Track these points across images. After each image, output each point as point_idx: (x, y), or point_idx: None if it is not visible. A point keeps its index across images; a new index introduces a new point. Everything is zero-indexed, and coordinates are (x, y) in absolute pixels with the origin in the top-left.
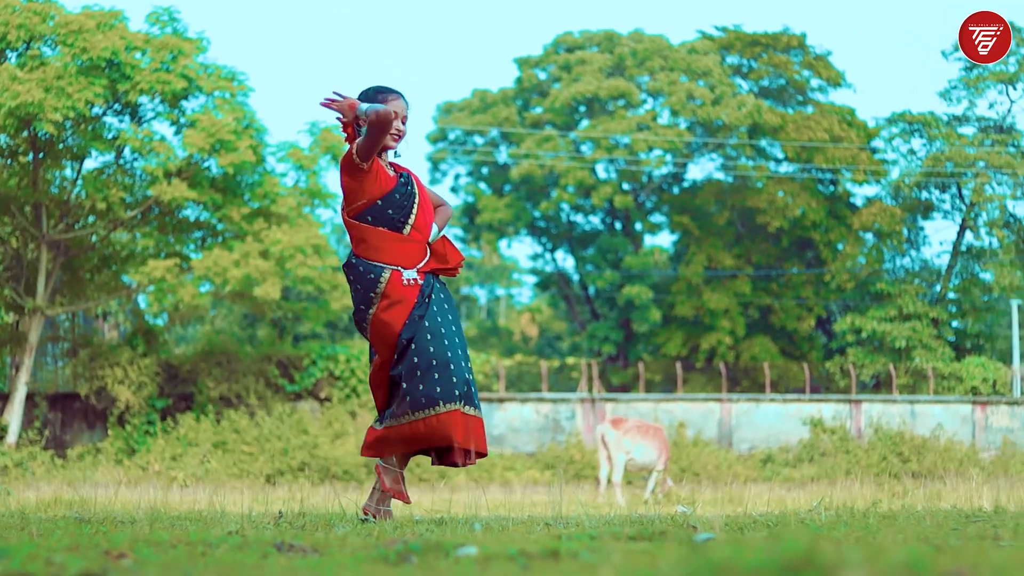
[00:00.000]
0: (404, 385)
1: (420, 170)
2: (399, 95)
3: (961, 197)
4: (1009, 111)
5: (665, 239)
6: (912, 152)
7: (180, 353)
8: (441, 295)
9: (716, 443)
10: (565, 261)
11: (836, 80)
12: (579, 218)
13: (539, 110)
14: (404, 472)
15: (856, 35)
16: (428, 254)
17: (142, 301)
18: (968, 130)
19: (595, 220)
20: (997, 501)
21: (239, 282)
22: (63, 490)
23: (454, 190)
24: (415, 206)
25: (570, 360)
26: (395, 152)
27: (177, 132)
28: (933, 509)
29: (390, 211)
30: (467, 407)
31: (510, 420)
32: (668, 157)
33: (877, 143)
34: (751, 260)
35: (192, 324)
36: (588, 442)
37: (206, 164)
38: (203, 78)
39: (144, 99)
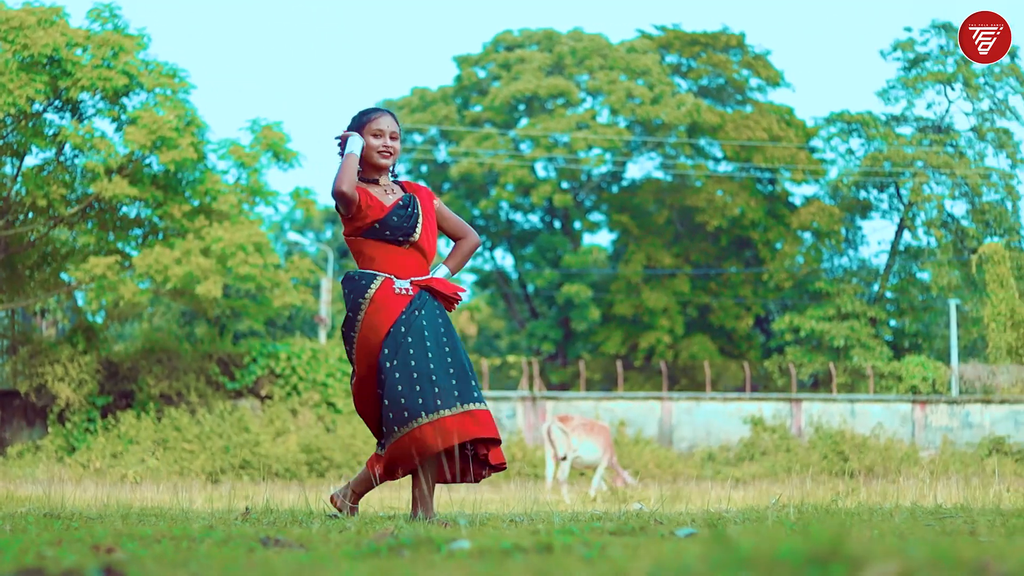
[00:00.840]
0: (385, 402)
1: None
2: (386, 112)
3: (899, 197)
4: (947, 111)
5: (604, 238)
6: (850, 152)
7: (120, 351)
8: (436, 311)
9: (657, 441)
10: (504, 259)
11: (775, 80)
12: (518, 216)
13: (479, 108)
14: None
15: (795, 35)
16: (429, 273)
17: (80, 298)
18: (906, 130)
19: (534, 218)
20: (951, 499)
21: (180, 280)
22: (4, 487)
23: None
24: (417, 226)
25: (511, 359)
26: (391, 172)
27: (118, 129)
28: (896, 506)
29: (387, 232)
30: (457, 407)
31: None
32: (607, 156)
33: (816, 143)
34: (690, 259)
35: (130, 322)
36: (530, 440)
37: (147, 161)
38: (144, 75)
39: (85, 96)
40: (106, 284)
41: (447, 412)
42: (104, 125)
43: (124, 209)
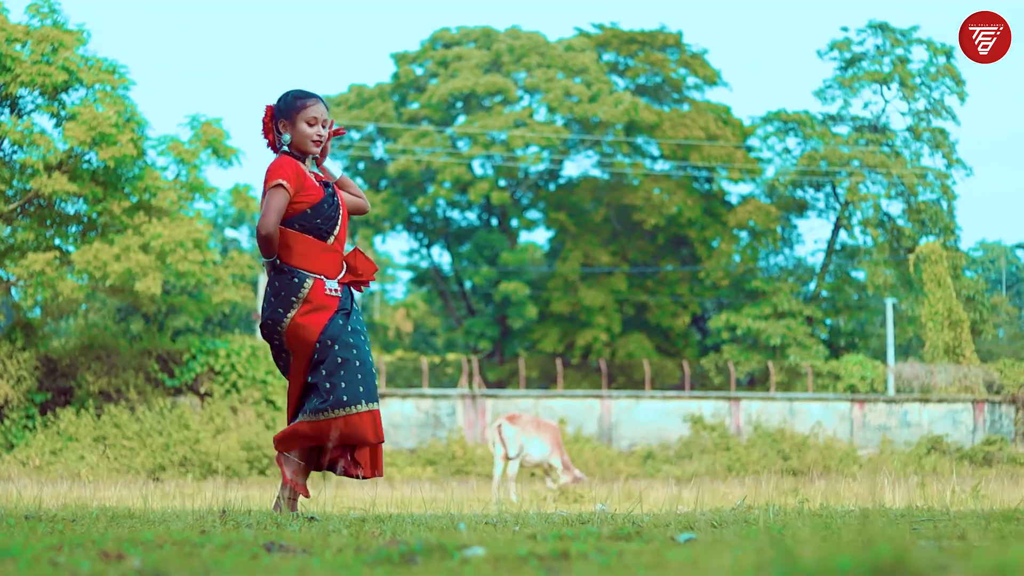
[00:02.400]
0: (327, 384)
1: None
2: (317, 99)
3: (836, 196)
4: (883, 111)
5: (541, 236)
6: (787, 151)
7: (59, 347)
8: (356, 305)
9: (597, 439)
10: (441, 257)
11: (712, 79)
12: (455, 214)
13: (416, 106)
14: (307, 467)
15: (732, 34)
16: (344, 267)
17: (15, 294)
18: (843, 129)
19: (471, 216)
20: (906, 500)
21: (120, 276)
22: None
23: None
24: (340, 217)
25: (451, 356)
26: (312, 159)
27: (57, 125)
28: (873, 508)
29: (318, 220)
30: (371, 404)
31: (390, 416)
32: (545, 154)
33: (752, 142)
34: (627, 257)
35: (65, 318)
36: (470, 438)
37: (87, 157)
38: (84, 70)
39: (24, 92)
40: (44, 280)
41: (374, 406)
42: (43, 121)
43: (63, 205)
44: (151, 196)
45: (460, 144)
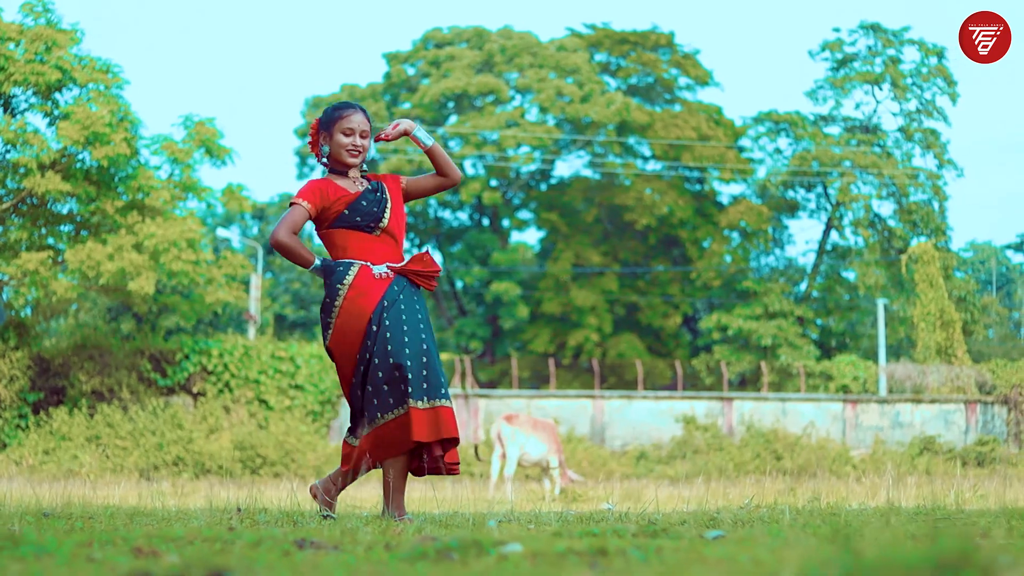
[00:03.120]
0: (369, 388)
1: (287, 164)
2: (357, 109)
3: (827, 196)
4: (875, 111)
5: (532, 236)
6: (779, 151)
7: (51, 347)
8: (413, 296)
9: (589, 440)
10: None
11: (704, 79)
12: (447, 214)
13: (408, 105)
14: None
15: (724, 34)
16: (404, 259)
17: (6, 293)
18: (834, 130)
19: (463, 216)
20: (913, 499)
21: (113, 276)
22: None
23: None
24: (387, 211)
25: (444, 356)
26: (361, 168)
27: (50, 124)
28: (888, 507)
29: (358, 218)
30: (432, 401)
31: None
32: (536, 154)
33: (744, 142)
34: (618, 257)
35: (55, 318)
36: (462, 437)
37: (80, 157)
38: (77, 70)
39: (17, 91)
40: (38, 280)
41: (435, 402)
42: (36, 120)
43: (56, 204)
44: (144, 196)
45: (452, 144)
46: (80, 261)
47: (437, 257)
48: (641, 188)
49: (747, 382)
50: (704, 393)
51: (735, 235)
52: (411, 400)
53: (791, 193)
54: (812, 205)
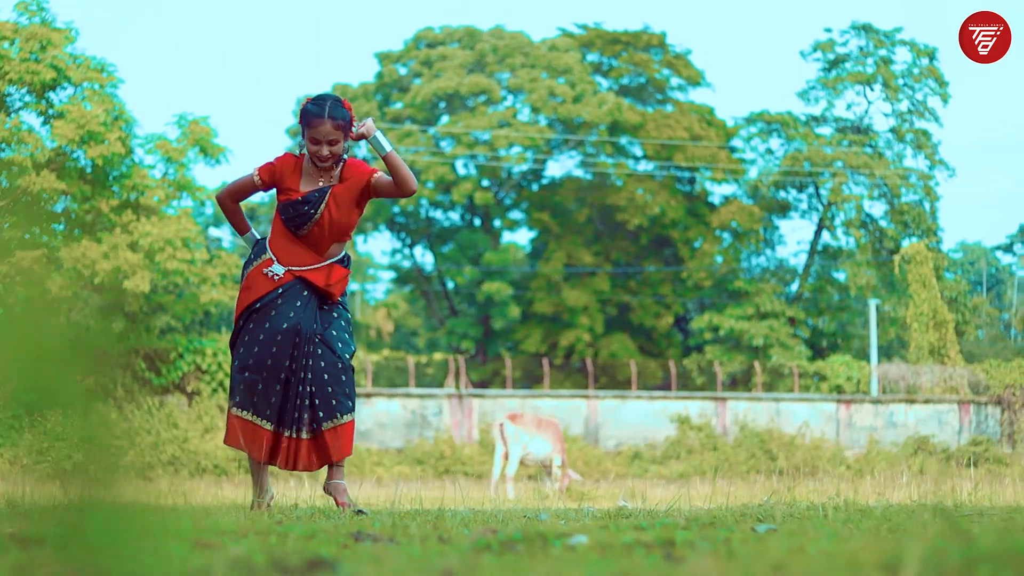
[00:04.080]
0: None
1: None
2: (325, 119)
3: (818, 197)
4: (866, 112)
5: (523, 236)
6: (770, 152)
7: None
8: (296, 302)
9: (583, 439)
10: (424, 257)
11: (695, 79)
12: (438, 214)
13: (399, 105)
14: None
15: (715, 35)
16: (319, 264)
17: None
18: (826, 130)
19: (454, 216)
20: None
21: (108, 274)
22: None
23: None
24: (310, 221)
25: (437, 356)
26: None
27: (45, 123)
28: (917, 504)
29: (284, 216)
30: (243, 411)
31: (377, 415)
32: (528, 154)
33: (736, 142)
34: (610, 257)
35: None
36: (457, 438)
37: (75, 155)
38: (72, 69)
39: (12, 89)
40: (33, 278)
41: (259, 420)
42: (31, 119)
43: (51, 203)
44: (139, 194)
45: (443, 144)
46: (75, 260)
47: (427, 258)
48: (633, 188)
49: (738, 382)
50: (698, 393)
51: (726, 235)
52: (232, 407)
53: (783, 193)
54: (804, 205)
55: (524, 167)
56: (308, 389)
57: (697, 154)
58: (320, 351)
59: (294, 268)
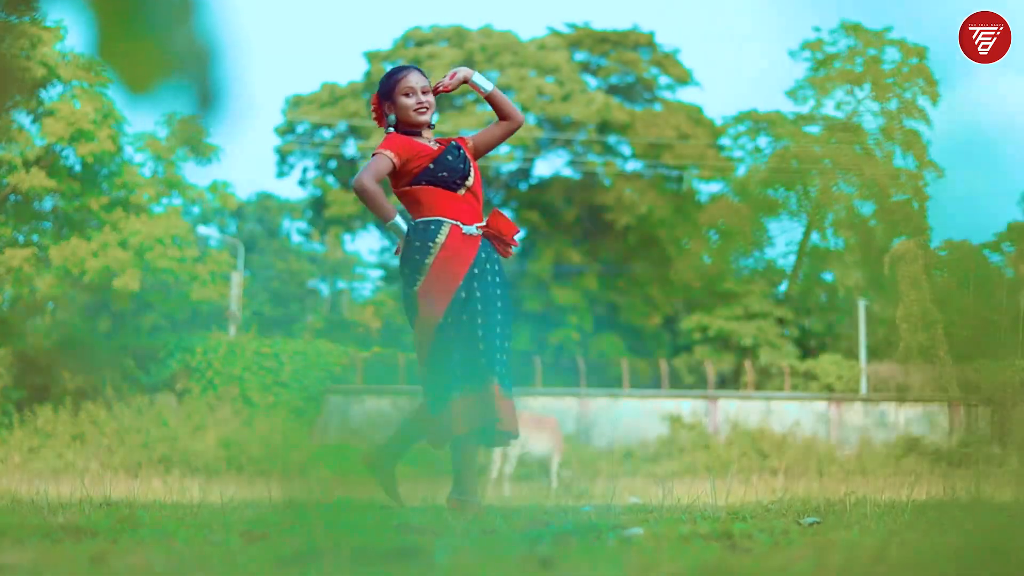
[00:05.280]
0: (450, 357)
1: (268, 163)
2: (412, 69)
3: (807, 196)
4: (855, 111)
5: None
6: (758, 150)
7: (34, 344)
8: (496, 265)
9: (575, 438)
10: None
11: (684, 78)
12: None
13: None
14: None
15: (704, 34)
16: (484, 220)
17: None
18: (815, 129)
19: None
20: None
21: (97, 273)
22: None
23: (302, 183)
24: (469, 167)
25: None
26: (431, 124)
27: (35, 121)
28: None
29: (443, 173)
30: (492, 388)
31: (368, 413)
32: (516, 153)
33: (724, 141)
34: (598, 257)
35: (33, 315)
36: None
37: (64, 154)
38: (62, 66)
39: None
40: (22, 277)
41: (495, 391)
42: (20, 117)
43: (41, 201)
44: (129, 193)
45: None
46: (64, 258)
47: None
48: (621, 187)
49: (726, 382)
50: (690, 392)
51: (714, 235)
52: (490, 379)
53: (771, 193)
54: (792, 205)
55: (512, 166)
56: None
57: (685, 153)
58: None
59: (482, 226)
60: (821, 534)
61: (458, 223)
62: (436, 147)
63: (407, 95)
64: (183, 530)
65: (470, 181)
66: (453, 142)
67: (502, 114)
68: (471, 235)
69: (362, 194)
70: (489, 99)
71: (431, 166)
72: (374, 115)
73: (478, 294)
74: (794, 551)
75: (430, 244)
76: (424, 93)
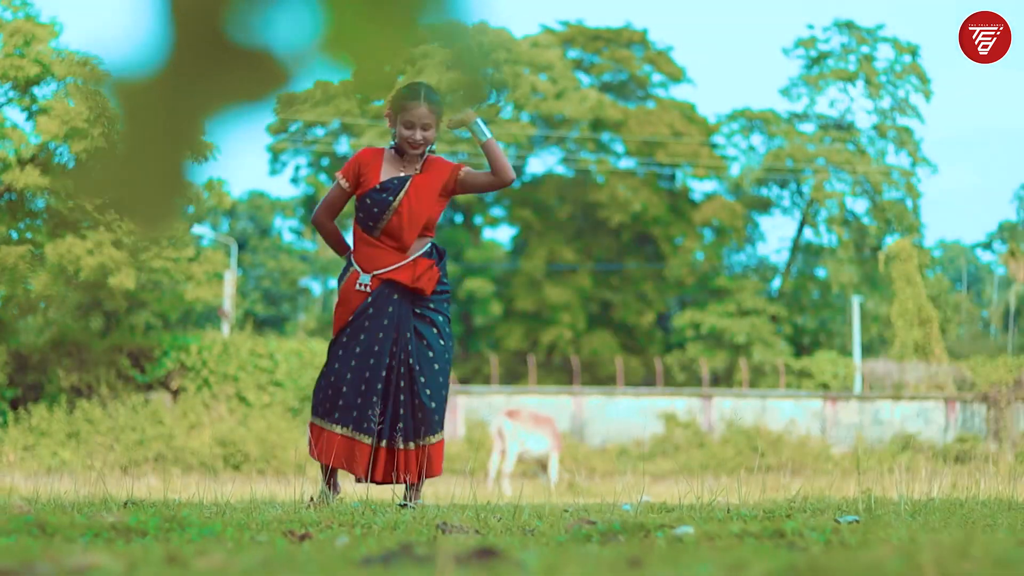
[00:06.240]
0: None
1: (260, 161)
2: (421, 102)
3: (800, 194)
4: (848, 109)
5: (504, 233)
6: (752, 148)
7: (29, 342)
8: (388, 308)
9: (569, 436)
10: None
11: (677, 76)
12: None
13: (381, 102)
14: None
15: (697, 31)
16: (402, 262)
17: None
18: (808, 127)
19: None
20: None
21: (93, 271)
22: None
23: (294, 181)
24: (387, 212)
25: None
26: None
27: (29, 119)
28: (959, 499)
29: (361, 213)
30: (361, 435)
31: None
32: (510, 150)
33: (718, 139)
34: (591, 254)
35: (27, 314)
36: (445, 434)
37: (59, 151)
38: (56, 64)
39: None
40: (18, 275)
41: (363, 437)
42: (15, 115)
43: (35, 199)
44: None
45: None
46: (59, 256)
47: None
48: (615, 185)
49: (719, 380)
50: (684, 390)
51: (708, 232)
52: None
53: (764, 190)
54: (786, 202)
55: None
56: (401, 401)
57: (679, 151)
58: (403, 383)
59: (379, 272)
60: (871, 532)
61: (358, 269)
62: (387, 176)
63: (407, 127)
64: (230, 529)
65: (382, 223)
66: (397, 178)
67: (493, 167)
68: (362, 286)
69: (318, 229)
70: (484, 147)
71: (364, 199)
72: (386, 113)
73: (343, 339)
74: (880, 549)
75: (336, 288)
76: (424, 129)
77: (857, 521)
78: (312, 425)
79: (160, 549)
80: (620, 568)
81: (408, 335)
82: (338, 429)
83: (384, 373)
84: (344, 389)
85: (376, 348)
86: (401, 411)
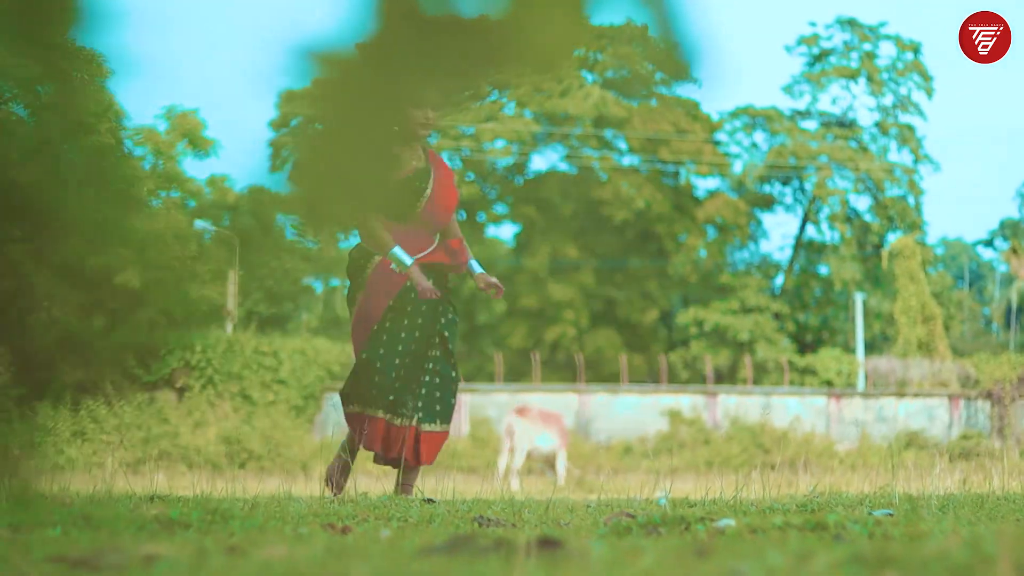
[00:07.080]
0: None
1: (261, 157)
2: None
3: (803, 191)
4: (851, 106)
5: (508, 230)
6: (755, 146)
7: (33, 340)
8: (430, 302)
9: (574, 433)
10: None
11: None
12: None
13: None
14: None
15: (698, 28)
16: (433, 245)
17: None
18: (810, 124)
19: None
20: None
21: (97, 269)
22: None
23: None
24: (420, 200)
25: None
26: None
27: (33, 115)
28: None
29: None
30: (395, 419)
31: None
32: (513, 148)
33: (721, 136)
34: (595, 252)
35: (30, 311)
36: (452, 431)
37: (64, 147)
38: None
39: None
40: (20, 271)
41: (397, 420)
42: (19, 111)
43: None
44: (129, 187)
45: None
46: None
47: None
48: (618, 182)
49: (723, 377)
50: (689, 387)
51: (711, 229)
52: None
53: (767, 188)
54: (788, 200)
55: (509, 161)
56: (429, 381)
57: (682, 148)
58: (439, 354)
59: (419, 256)
60: (911, 524)
61: (396, 254)
62: (410, 165)
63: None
64: (273, 522)
65: (418, 208)
66: (422, 168)
67: (462, 254)
68: (400, 267)
69: (360, 231)
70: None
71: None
72: None
73: (386, 324)
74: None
75: (360, 277)
76: (434, 109)
77: (891, 515)
78: (355, 415)
79: (217, 541)
80: (688, 558)
81: (443, 320)
82: (381, 414)
83: (425, 355)
84: (392, 375)
85: (417, 334)
86: (437, 393)
